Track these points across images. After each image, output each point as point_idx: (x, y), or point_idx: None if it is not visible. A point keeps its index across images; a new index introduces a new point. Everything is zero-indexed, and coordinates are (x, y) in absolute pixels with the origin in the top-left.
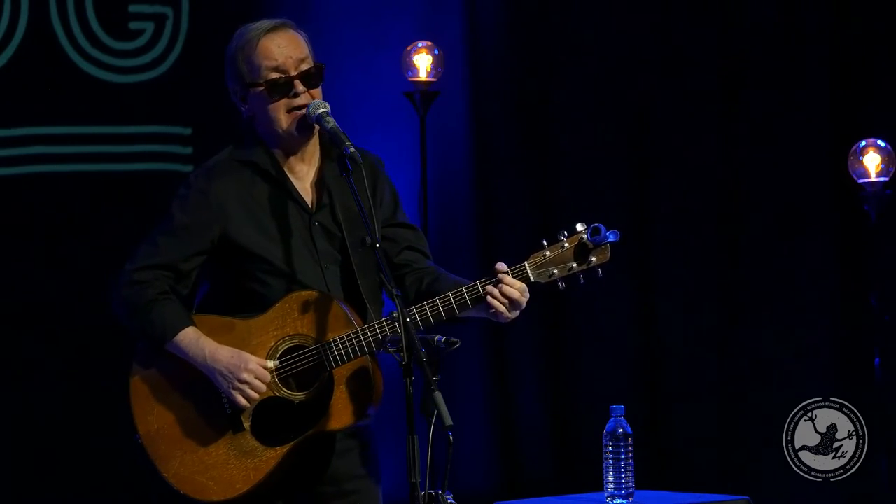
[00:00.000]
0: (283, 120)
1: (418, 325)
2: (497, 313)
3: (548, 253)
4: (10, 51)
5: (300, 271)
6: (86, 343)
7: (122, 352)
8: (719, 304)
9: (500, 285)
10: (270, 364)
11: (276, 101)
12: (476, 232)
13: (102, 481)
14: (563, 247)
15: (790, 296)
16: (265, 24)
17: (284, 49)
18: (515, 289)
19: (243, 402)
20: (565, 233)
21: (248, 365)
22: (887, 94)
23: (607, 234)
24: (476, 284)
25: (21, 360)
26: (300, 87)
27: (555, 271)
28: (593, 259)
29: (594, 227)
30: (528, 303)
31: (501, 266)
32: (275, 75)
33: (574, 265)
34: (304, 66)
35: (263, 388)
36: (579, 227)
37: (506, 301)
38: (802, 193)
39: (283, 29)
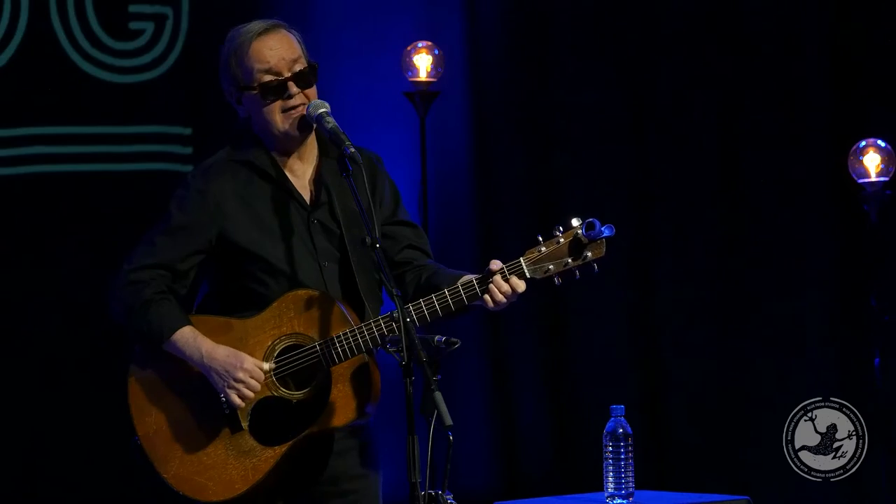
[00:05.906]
0: (279, 121)
1: (415, 323)
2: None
3: (543, 248)
4: (10, 51)
5: (299, 270)
6: (86, 343)
7: (121, 353)
8: (719, 304)
9: (493, 288)
10: (266, 366)
11: (271, 103)
12: (476, 231)
13: (102, 482)
14: (558, 242)
15: (790, 295)
16: (256, 26)
17: (277, 51)
18: (502, 293)
19: (238, 401)
20: (560, 228)
21: (243, 364)
22: (887, 94)
23: (602, 228)
24: (473, 283)
25: (20, 360)
26: (294, 89)
27: (550, 267)
28: (588, 254)
29: (589, 221)
30: (528, 303)
31: (495, 264)
32: (268, 78)
33: (569, 260)
34: (297, 67)
35: (258, 387)
36: (574, 222)
37: (501, 300)
38: (802, 193)
39: (275, 30)
